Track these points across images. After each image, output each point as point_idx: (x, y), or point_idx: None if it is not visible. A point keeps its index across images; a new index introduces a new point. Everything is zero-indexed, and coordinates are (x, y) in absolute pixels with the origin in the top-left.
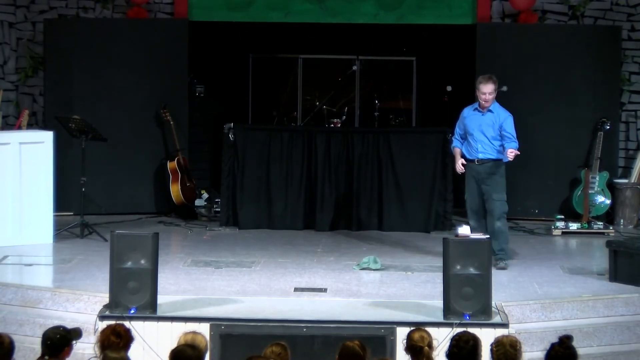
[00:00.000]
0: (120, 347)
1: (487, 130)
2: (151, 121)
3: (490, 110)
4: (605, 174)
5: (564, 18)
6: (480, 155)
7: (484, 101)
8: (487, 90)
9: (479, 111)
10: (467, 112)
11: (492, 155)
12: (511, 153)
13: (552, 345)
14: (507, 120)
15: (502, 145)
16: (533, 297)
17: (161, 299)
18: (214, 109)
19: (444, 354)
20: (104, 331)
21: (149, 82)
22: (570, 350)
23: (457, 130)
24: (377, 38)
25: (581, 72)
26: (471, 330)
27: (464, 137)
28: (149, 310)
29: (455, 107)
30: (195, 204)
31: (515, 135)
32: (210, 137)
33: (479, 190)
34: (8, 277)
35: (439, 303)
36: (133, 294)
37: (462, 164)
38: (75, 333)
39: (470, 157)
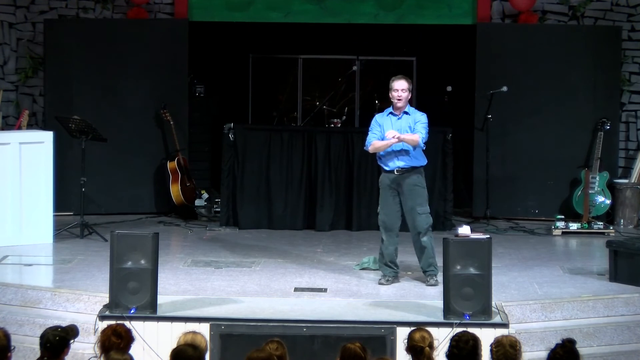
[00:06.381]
0: (121, 348)
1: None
2: (151, 121)
3: (406, 112)
4: (606, 174)
5: (564, 18)
6: (401, 164)
7: (397, 99)
8: (399, 86)
9: (393, 115)
10: (381, 119)
11: (413, 162)
12: (393, 135)
13: (555, 347)
14: (422, 116)
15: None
16: (533, 297)
17: (161, 299)
18: (214, 109)
19: (444, 354)
20: (104, 331)
21: (149, 82)
22: (570, 355)
23: (374, 133)
24: (377, 38)
25: (581, 72)
26: (471, 330)
27: None
28: (149, 310)
29: (455, 107)
30: (195, 204)
31: (425, 132)
32: (210, 137)
33: (397, 203)
34: (8, 277)
35: (439, 303)
36: (133, 294)
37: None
38: (72, 331)
39: (389, 168)
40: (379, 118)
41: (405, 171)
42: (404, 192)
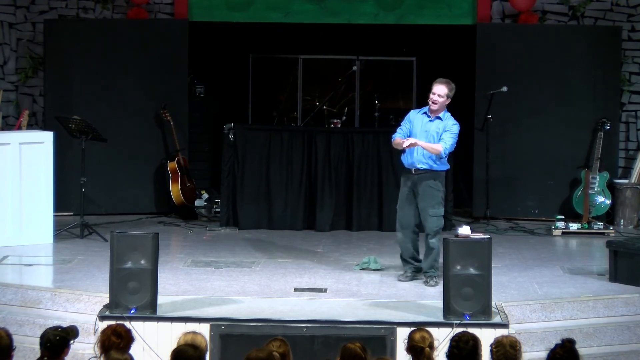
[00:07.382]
0: (121, 348)
1: (430, 138)
2: (151, 121)
3: (439, 117)
4: (606, 174)
5: (564, 18)
6: (419, 165)
7: (432, 102)
8: (436, 90)
9: (427, 115)
10: (414, 115)
11: (432, 166)
12: (410, 142)
13: (555, 347)
14: (454, 126)
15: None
16: (533, 297)
17: (161, 299)
18: (214, 109)
19: (444, 354)
20: (104, 331)
21: (149, 82)
22: (570, 354)
23: (401, 128)
24: (377, 38)
25: (581, 72)
26: (471, 330)
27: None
28: (149, 310)
29: (455, 108)
30: (195, 204)
31: (451, 144)
32: (210, 137)
33: (413, 202)
34: (8, 277)
35: (439, 303)
36: (133, 294)
37: (406, 146)
38: (73, 332)
39: (407, 167)
40: (412, 114)
41: (422, 172)
42: (419, 192)
